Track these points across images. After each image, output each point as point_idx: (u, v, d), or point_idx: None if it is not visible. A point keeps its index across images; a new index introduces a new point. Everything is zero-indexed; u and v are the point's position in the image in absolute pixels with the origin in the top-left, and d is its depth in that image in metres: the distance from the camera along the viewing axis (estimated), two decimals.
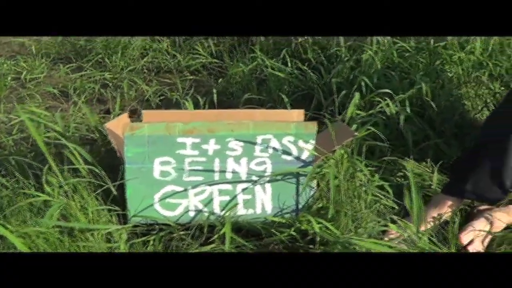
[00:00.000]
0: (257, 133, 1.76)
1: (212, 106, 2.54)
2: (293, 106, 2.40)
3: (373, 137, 2.00)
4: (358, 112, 2.16)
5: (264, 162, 1.77)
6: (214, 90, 2.60)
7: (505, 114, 1.76)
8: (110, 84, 2.85)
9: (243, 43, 3.17)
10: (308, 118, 2.24)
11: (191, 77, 2.98)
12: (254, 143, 1.76)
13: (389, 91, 2.23)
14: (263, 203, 1.78)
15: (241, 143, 1.77)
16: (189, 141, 1.76)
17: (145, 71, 3.05)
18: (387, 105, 2.19)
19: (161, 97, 2.76)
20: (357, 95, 2.14)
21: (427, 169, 2.09)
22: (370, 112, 2.16)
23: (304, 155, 1.76)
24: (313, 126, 1.75)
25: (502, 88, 2.56)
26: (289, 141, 1.76)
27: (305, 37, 2.89)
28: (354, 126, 2.01)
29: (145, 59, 3.09)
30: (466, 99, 2.46)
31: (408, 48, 2.62)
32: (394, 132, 2.16)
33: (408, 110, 2.20)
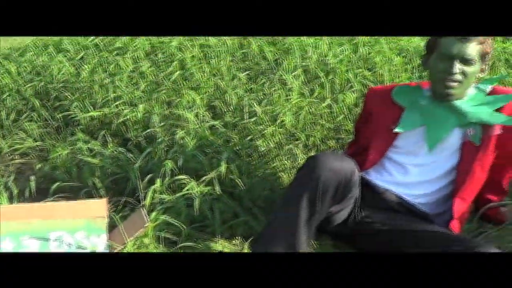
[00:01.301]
0: (50, 229, 1.88)
1: (30, 194, 2.60)
2: (109, 191, 2.53)
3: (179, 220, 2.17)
4: (164, 196, 2.31)
5: None
6: (33, 177, 2.67)
7: (292, 192, 1.97)
8: None
9: (70, 124, 3.26)
10: (120, 204, 2.38)
11: (18, 161, 3.03)
12: (48, 240, 1.88)
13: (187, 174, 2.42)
14: None
15: (36, 241, 1.87)
16: None
17: None
18: (196, 185, 2.36)
19: None
20: (158, 180, 2.31)
21: (237, 246, 2.26)
22: (177, 195, 2.32)
23: (99, 249, 1.89)
24: (102, 221, 1.90)
25: None
26: (81, 236, 1.89)
27: (127, 117, 3.02)
28: (154, 214, 2.16)
29: None
30: (282, 171, 2.68)
31: (219, 125, 2.82)
32: (203, 212, 2.32)
33: (217, 189, 2.37)
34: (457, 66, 2.08)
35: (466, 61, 2.08)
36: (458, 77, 2.10)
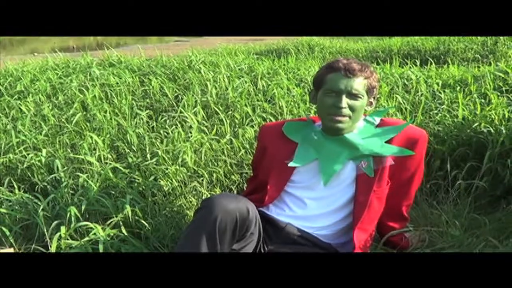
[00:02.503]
0: None
1: None
2: (18, 238, 2.59)
3: None
4: (72, 242, 2.40)
5: None
6: None
7: (191, 234, 2.06)
8: None
9: None
10: (30, 251, 2.45)
11: None
12: None
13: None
14: None
15: None
16: None
17: None
18: (102, 228, 2.46)
19: None
20: (62, 227, 2.39)
21: None
22: (84, 239, 2.41)
23: None
24: None
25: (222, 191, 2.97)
26: None
27: (31, 162, 3.08)
28: None
29: None
30: (188, 209, 2.81)
31: (122, 167, 2.93)
32: None
33: (123, 231, 2.47)
34: (344, 101, 2.21)
35: (353, 96, 2.22)
36: (346, 111, 2.23)
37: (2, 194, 2.88)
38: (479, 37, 8.23)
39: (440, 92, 3.91)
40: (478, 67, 5.24)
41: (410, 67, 5.00)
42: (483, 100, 3.59)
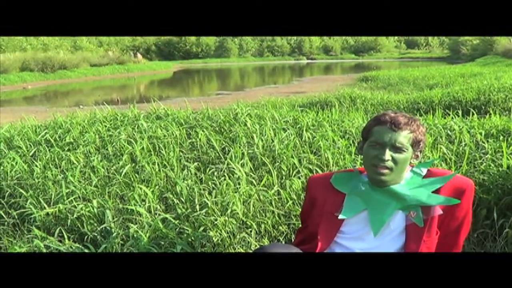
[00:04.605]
0: None
1: None
2: None
3: None
4: None
5: None
6: None
7: None
8: None
9: (25, 221, 3.34)
10: None
11: None
12: None
13: None
14: None
15: None
16: None
17: None
18: None
19: None
20: None
21: None
22: None
23: None
24: None
25: (271, 242, 2.95)
26: None
27: (81, 212, 3.12)
28: None
29: None
30: None
31: (172, 217, 2.96)
32: None
33: None
34: (388, 153, 2.19)
35: (396, 149, 2.20)
36: (389, 163, 2.20)
37: (52, 244, 2.91)
38: None
39: (483, 142, 3.87)
40: None
41: (452, 118, 4.97)
42: None
